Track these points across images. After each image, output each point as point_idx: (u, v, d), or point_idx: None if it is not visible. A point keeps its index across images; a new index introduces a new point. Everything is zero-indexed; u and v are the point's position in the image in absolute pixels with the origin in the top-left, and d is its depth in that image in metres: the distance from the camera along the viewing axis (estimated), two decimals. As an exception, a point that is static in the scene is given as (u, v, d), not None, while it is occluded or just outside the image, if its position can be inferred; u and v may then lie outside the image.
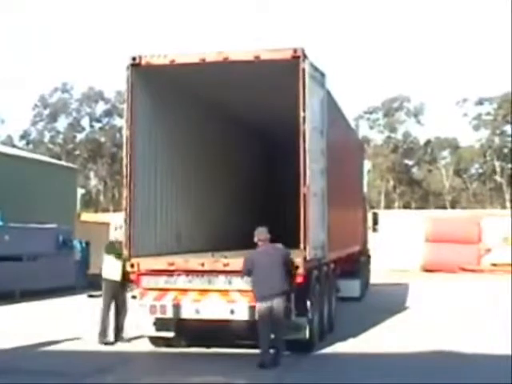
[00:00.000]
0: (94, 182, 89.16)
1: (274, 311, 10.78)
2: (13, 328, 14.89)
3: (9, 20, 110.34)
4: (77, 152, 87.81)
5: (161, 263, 11.63)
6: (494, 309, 19.30)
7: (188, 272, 11.47)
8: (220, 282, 11.40)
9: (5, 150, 36.90)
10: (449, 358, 11.89)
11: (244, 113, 16.24)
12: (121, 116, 69.08)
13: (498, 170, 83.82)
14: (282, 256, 11.10)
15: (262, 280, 10.81)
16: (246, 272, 11.01)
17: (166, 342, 12.28)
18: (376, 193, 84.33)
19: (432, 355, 12.05)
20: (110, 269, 13.17)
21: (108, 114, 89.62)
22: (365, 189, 24.10)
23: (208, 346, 12.25)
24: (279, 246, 11.43)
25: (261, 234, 11.31)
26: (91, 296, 22.96)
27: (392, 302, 20.60)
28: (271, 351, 10.84)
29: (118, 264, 12.85)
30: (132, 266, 11.73)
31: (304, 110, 11.20)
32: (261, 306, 10.83)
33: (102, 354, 12.26)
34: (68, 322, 16.43)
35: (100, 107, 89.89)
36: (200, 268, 11.47)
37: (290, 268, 11.06)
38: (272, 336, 10.89)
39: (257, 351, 11.75)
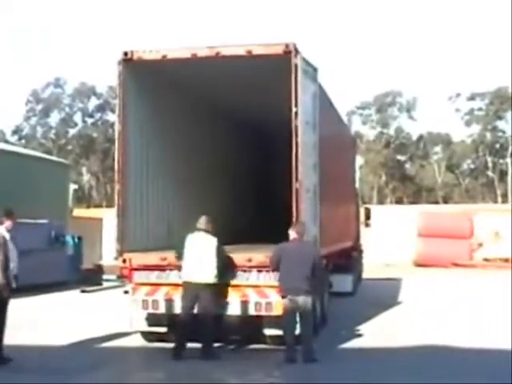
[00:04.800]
0: (86, 177, 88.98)
1: (300, 308, 10.76)
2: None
3: (1, 11, 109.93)
4: (69, 147, 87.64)
5: (153, 258, 11.63)
6: (487, 303, 19.35)
7: (180, 267, 11.46)
8: (212, 277, 11.40)
9: (-3, 145, 36.72)
10: (443, 352, 11.90)
11: (236, 108, 16.22)
12: (113, 111, 68.85)
13: (489, 165, 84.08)
14: (313, 255, 11.08)
15: (289, 274, 10.71)
16: (275, 264, 10.88)
17: (159, 337, 12.26)
18: (368, 188, 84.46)
19: (426, 349, 12.07)
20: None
21: (100, 109, 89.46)
22: (357, 184, 24.12)
23: (200, 342, 12.23)
24: (311, 244, 11.39)
25: (298, 228, 11.06)
26: (84, 291, 22.99)
27: (385, 297, 20.63)
28: (298, 348, 10.80)
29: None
30: (124, 261, 11.72)
31: (296, 105, 11.20)
32: (285, 301, 10.79)
33: (94, 350, 12.25)
34: (60, 318, 16.42)
35: (92, 102, 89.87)
36: (192, 263, 11.47)
37: (318, 269, 11.10)
38: (298, 332, 10.86)
39: (249, 346, 11.82)
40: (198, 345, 11.11)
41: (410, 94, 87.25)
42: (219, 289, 11.20)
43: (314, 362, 10.61)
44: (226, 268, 11.24)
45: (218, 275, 11.05)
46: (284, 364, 10.59)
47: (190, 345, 11.15)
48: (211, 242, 11.23)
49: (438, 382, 9.67)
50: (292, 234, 11.09)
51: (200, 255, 11.09)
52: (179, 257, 11.26)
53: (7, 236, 10.53)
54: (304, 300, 10.77)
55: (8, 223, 10.63)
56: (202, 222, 11.45)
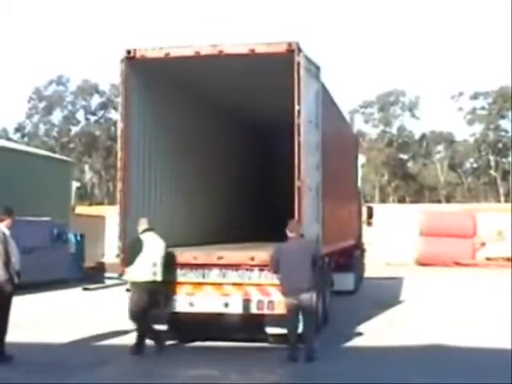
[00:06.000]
0: (88, 175, 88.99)
1: (302, 306, 10.75)
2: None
3: (3, 10, 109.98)
4: (72, 145, 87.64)
5: (155, 256, 11.61)
6: (489, 302, 19.35)
7: (182, 265, 11.48)
8: (214, 275, 11.42)
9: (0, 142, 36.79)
10: (444, 351, 11.89)
11: (239, 106, 16.22)
12: (116, 109, 68.81)
13: (492, 164, 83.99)
14: (311, 252, 11.05)
15: (291, 274, 10.68)
16: (274, 266, 10.84)
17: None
18: (371, 187, 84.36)
19: (427, 349, 12.06)
20: None
21: (103, 107, 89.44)
22: (359, 183, 24.09)
23: (202, 340, 12.25)
24: (309, 241, 11.38)
25: (292, 226, 11.05)
26: (86, 289, 22.99)
27: (386, 296, 20.62)
28: (300, 346, 10.78)
29: None
30: (126, 259, 11.72)
31: (299, 104, 11.20)
32: (288, 301, 10.76)
33: (96, 348, 12.26)
34: (62, 315, 16.44)
35: (95, 100, 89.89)
36: (194, 261, 11.48)
37: (317, 265, 11.11)
38: (300, 331, 10.86)
39: (251, 344, 11.81)
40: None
41: (412, 93, 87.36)
42: (166, 286, 11.38)
43: (314, 360, 10.60)
44: (170, 266, 11.43)
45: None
46: (286, 362, 10.58)
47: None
48: (161, 240, 11.40)
49: (439, 381, 9.67)
50: (288, 231, 11.07)
51: (153, 254, 11.22)
52: (130, 262, 11.31)
53: (7, 233, 10.59)
54: (307, 297, 10.76)
55: (8, 221, 10.70)
56: (146, 222, 11.57)
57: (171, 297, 11.48)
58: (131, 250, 11.38)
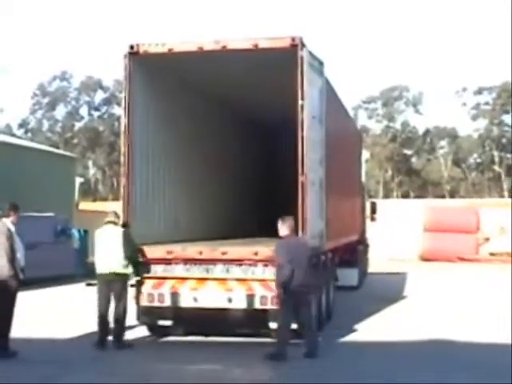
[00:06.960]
0: (92, 170, 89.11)
1: (300, 302, 10.70)
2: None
3: (7, 5, 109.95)
4: (75, 141, 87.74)
5: (159, 251, 11.63)
6: (491, 298, 19.33)
7: (186, 260, 11.48)
8: (218, 270, 11.40)
9: (3, 138, 36.88)
10: (447, 346, 11.90)
11: (242, 101, 16.20)
12: (119, 105, 68.82)
13: (496, 159, 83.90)
14: (308, 249, 11.00)
15: (295, 271, 10.51)
16: (287, 263, 10.52)
17: (164, 330, 12.29)
18: (374, 182, 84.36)
19: (430, 344, 12.06)
20: None
21: (107, 102, 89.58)
22: (363, 178, 24.09)
23: (206, 335, 12.26)
24: (304, 237, 11.33)
25: (290, 222, 10.94)
26: (90, 284, 22.99)
27: (390, 291, 20.62)
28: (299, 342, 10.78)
29: None
30: (130, 254, 11.74)
31: (302, 99, 11.17)
32: (287, 298, 10.67)
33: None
34: (65, 311, 16.47)
35: (99, 96, 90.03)
36: (198, 256, 11.47)
37: (313, 262, 11.05)
38: (296, 327, 10.83)
39: (254, 339, 11.80)
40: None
41: (416, 89, 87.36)
42: (136, 281, 11.50)
43: (316, 356, 10.58)
44: (139, 260, 11.50)
45: (127, 265, 11.32)
46: (291, 357, 10.55)
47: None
48: (118, 232, 11.42)
49: (440, 377, 9.67)
50: (283, 229, 10.92)
51: (108, 246, 11.32)
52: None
53: (12, 229, 10.61)
54: (304, 295, 10.76)
55: (14, 217, 10.73)
56: (110, 215, 11.66)
57: (142, 291, 11.51)
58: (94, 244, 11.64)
